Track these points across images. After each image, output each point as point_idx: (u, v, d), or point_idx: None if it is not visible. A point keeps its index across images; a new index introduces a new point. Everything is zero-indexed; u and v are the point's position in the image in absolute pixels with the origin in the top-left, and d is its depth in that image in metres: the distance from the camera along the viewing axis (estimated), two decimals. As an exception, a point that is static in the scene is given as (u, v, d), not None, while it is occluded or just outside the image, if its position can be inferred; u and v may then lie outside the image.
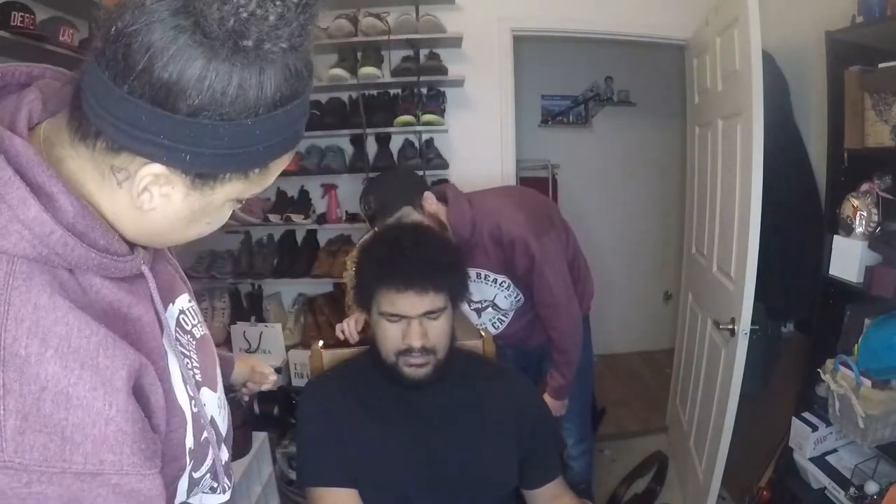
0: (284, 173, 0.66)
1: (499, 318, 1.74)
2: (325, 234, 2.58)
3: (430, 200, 1.54)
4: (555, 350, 1.64)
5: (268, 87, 0.48)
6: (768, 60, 1.92)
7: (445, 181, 2.49)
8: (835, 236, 1.65)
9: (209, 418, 0.68)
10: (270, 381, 1.11)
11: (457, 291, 1.10)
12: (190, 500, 0.68)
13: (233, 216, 0.63)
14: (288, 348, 2.30)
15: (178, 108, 0.46)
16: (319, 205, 2.57)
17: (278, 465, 2.00)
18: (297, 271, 2.43)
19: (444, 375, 1.10)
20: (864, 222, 1.57)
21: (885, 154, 1.60)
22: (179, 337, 0.66)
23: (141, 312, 0.57)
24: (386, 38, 2.30)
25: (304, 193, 2.54)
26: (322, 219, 2.50)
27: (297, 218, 2.42)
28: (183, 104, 0.46)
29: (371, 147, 2.48)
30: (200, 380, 0.68)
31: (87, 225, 0.50)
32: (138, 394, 0.51)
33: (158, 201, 0.52)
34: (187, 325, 0.69)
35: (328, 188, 2.56)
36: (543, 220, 1.58)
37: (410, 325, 1.04)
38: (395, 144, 2.50)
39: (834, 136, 1.72)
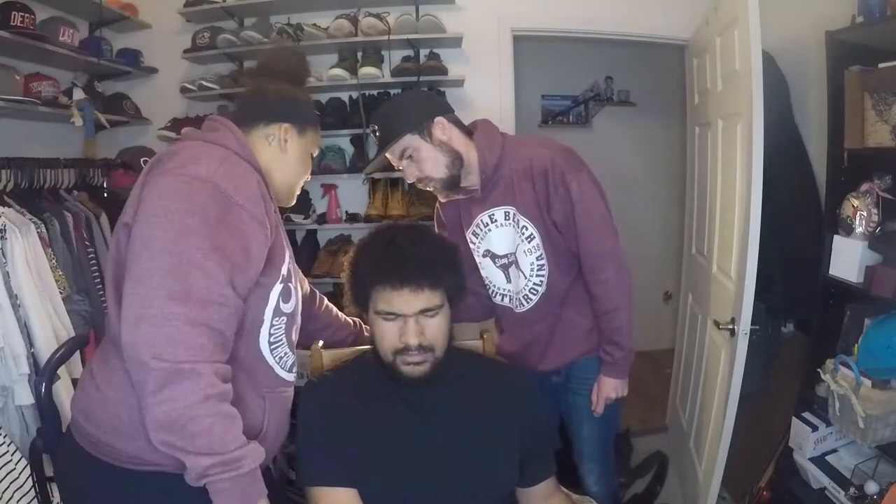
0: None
1: (522, 294, 1.49)
2: (325, 234, 2.58)
3: (442, 127, 1.36)
4: (603, 316, 1.44)
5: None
6: (768, 60, 1.92)
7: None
8: (835, 236, 1.65)
9: (296, 286, 1.13)
10: None
11: (453, 289, 1.10)
12: (270, 363, 1.06)
13: None
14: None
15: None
16: (319, 205, 2.57)
17: (278, 465, 1.99)
18: (297, 271, 2.43)
19: (444, 374, 1.10)
20: (864, 222, 1.57)
21: (885, 154, 1.60)
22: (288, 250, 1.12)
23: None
24: (386, 38, 2.30)
25: (304, 193, 2.53)
26: (322, 219, 2.50)
27: (297, 218, 2.42)
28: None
29: (371, 147, 2.48)
30: (294, 271, 1.15)
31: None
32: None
33: (289, 143, 1.12)
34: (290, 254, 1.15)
35: (328, 188, 2.56)
36: (579, 161, 1.42)
37: (407, 324, 1.04)
38: (395, 144, 2.50)
39: (834, 136, 1.72)
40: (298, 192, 1.21)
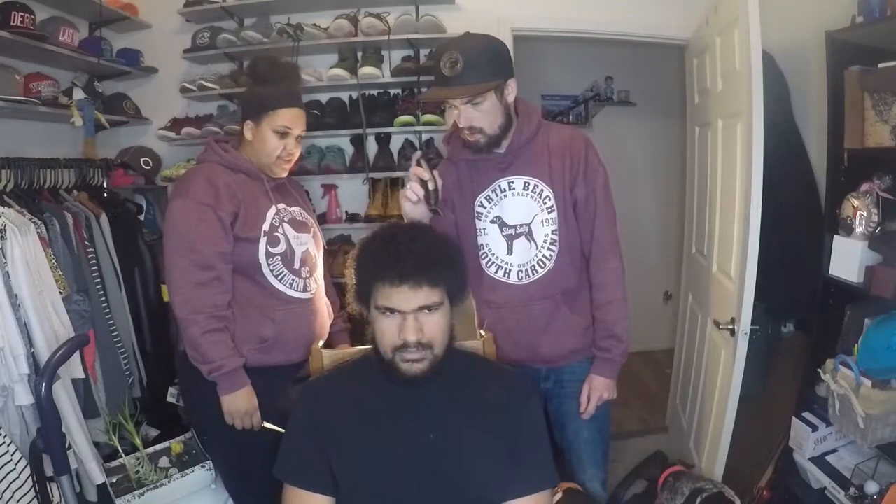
0: (284, 173, 1.74)
1: (529, 265, 1.46)
2: (325, 234, 2.56)
3: (511, 88, 1.40)
4: (605, 307, 1.46)
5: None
6: (768, 60, 1.92)
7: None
8: (835, 236, 1.65)
9: (284, 233, 1.54)
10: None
11: (453, 287, 1.10)
12: (279, 287, 1.52)
13: None
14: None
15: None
16: (320, 205, 2.57)
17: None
18: (297, 271, 2.43)
19: (442, 374, 1.10)
20: (864, 222, 1.57)
21: (885, 154, 1.60)
22: (280, 209, 1.55)
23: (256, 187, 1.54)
24: (386, 38, 2.30)
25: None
26: (322, 219, 2.50)
27: (297, 218, 2.43)
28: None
29: (371, 147, 2.49)
30: (288, 221, 1.56)
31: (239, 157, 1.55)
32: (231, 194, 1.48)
33: (251, 133, 1.53)
34: (285, 210, 1.57)
35: (328, 188, 2.56)
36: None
37: (406, 320, 1.04)
38: (395, 144, 2.50)
39: (834, 136, 1.72)
40: (283, 163, 1.56)
